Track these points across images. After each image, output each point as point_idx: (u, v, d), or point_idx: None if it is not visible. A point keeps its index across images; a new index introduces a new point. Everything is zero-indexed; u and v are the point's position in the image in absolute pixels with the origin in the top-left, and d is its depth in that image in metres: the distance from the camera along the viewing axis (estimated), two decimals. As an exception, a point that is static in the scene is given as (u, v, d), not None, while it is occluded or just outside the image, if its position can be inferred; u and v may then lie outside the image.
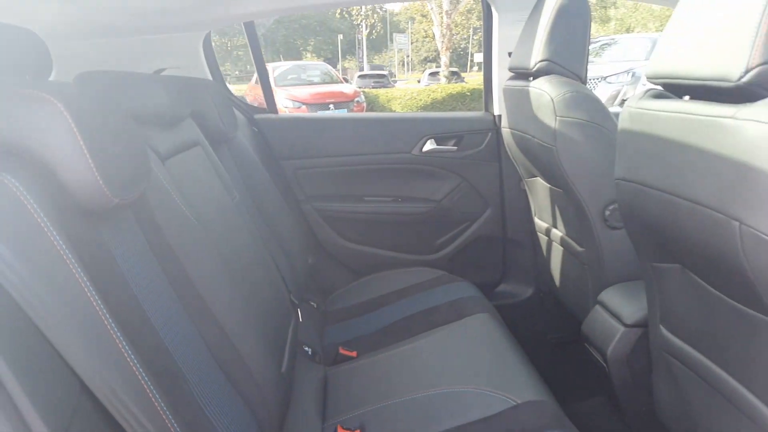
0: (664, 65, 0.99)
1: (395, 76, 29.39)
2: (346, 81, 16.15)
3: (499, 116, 2.16)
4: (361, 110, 12.09)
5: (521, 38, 1.74)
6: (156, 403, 0.72)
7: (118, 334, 0.71)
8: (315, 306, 1.95)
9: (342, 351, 1.67)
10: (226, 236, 1.34)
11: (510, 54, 1.92)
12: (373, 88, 16.28)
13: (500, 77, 2.12)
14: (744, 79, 0.80)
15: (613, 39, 11.27)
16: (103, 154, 0.79)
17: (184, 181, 1.24)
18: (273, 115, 2.36)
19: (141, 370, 0.72)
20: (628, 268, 1.56)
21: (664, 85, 1.05)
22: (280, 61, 19.51)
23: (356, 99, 12.17)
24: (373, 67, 27.75)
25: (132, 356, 0.71)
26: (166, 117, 1.27)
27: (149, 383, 0.73)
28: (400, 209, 2.30)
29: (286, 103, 10.71)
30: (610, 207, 1.55)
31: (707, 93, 0.92)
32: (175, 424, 0.75)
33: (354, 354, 1.66)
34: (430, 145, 2.24)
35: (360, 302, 1.98)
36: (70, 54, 1.70)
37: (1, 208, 0.65)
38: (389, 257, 2.32)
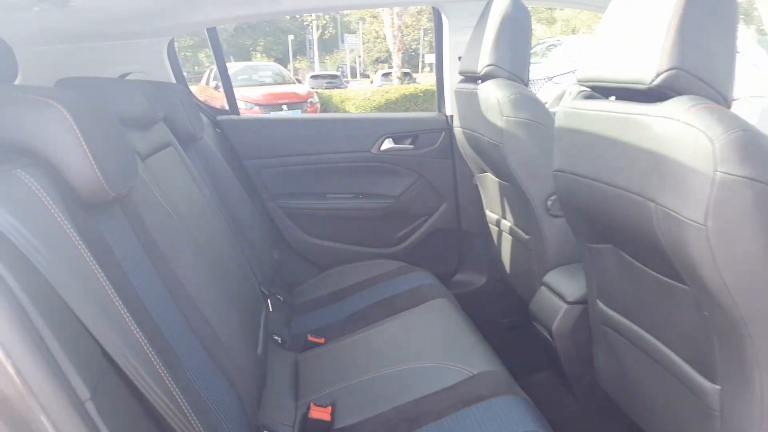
0: (591, 70, 1.15)
1: (347, 76, 29.41)
2: (299, 82, 16.14)
3: (452, 116, 2.31)
4: (315, 111, 12.12)
5: (470, 44, 1.89)
6: (160, 370, 0.82)
7: (126, 312, 0.81)
8: (281, 299, 2.05)
9: (310, 338, 1.78)
10: (201, 230, 1.43)
11: (460, 58, 2.07)
12: (326, 88, 16.32)
13: (451, 80, 2.26)
14: (655, 82, 0.96)
15: (558, 40, 11.68)
16: (101, 153, 0.88)
17: (161, 179, 1.32)
18: (235, 117, 2.44)
19: (147, 343, 0.82)
20: (568, 252, 1.73)
21: (592, 88, 1.21)
22: (231, 62, 19.27)
23: (310, 100, 12.19)
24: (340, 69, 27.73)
25: (138, 332, 0.81)
26: (145, 119, 1.35)
27: (154, 355, 0.82)
28: (361, 205, 2.41)
29: (238, 104, 10.66)
30: (552, 197, 1.71)
31: (627, 94, 1.08)
32: (178, 390, 0.85)
33: (322, 340, 1.77)
34: (387, 144, 2.37)
35: (325, 294, 2.09)
36: (35, 59, 1.74)
37: (21, 200, 0.74)
38: (351, 251, 2.43)
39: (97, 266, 0.79)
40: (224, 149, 2.25)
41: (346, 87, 18.15)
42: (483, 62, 1.78)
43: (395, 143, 2.38)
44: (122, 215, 1.06)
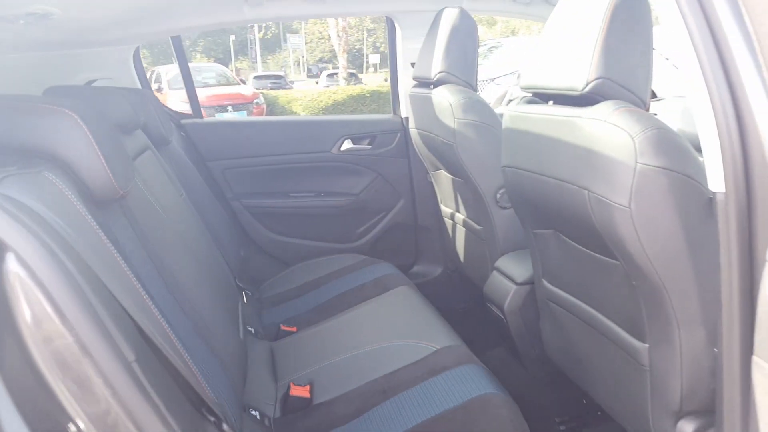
0: (533, 79, 1.33)
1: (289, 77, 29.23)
2: (243, 82, 15.99)
3: (406, 118, 2.47)
4: (261, 112, 12.06)
5: (422, 52, 2.06)
6: (178, 346, 0.94)
7: (146, 295, 0.92)
8: (250, 294, 2.16)
9: (283, 327, 1.90)
10: (184, 227, 1.54)
11: (413, 65, 2.23)
12: (270, 89, 16.23)
13: (405, 84, 2.43)
14: (585, 90, 1.15)
15: (499, 42, 12.08)
16: (110, 156, 0.99)
17: (146, 180, 1.43)
18: (199, 120, 2.52)
19: (165, 323, 0.94)
20: (516, 239, 1.93)
21: (534, 93, 1.39)
22: (172, 63, 18.75)
23: (255, 101, 12.13)
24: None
25: (158, 313, 0.93)
26: (130, 125, 1.45)
27: (171, 333, 0.94)
28: (323, 203, 2.55)
29: (182, 106, 10.51)
30: (500, 191, 1.90)
31: (563, 99, 1.27)
32: (193, 365, 0.97)
33: (294, 329, 1.89)
34: (347, 145, 2.51)
35: (293, 287, 2.21)
36: (4, 67, 1.79)
37: (52, 197, 0.84)
38: (315, 246, 2.56)
39: (119, 256, 0.91)
40: (189, 151, 2.34)
41: (291, 87, 18.09)
42: (435, 69, 1.95)
43: (354, 144, 2.53)
44: (121, 213, 1.16)
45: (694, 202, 1.07)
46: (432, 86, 2.01)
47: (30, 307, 0.69)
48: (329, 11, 2.22)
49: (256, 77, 19.51)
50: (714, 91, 0.86)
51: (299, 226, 2.57)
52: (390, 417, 1.35)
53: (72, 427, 0.72)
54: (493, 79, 9.29)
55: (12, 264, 0.69)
